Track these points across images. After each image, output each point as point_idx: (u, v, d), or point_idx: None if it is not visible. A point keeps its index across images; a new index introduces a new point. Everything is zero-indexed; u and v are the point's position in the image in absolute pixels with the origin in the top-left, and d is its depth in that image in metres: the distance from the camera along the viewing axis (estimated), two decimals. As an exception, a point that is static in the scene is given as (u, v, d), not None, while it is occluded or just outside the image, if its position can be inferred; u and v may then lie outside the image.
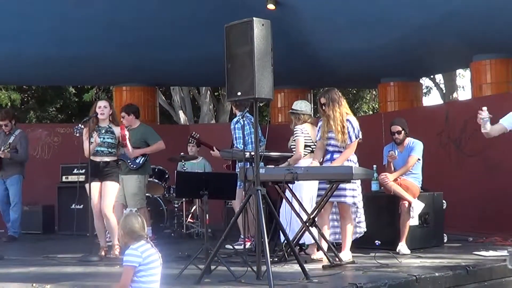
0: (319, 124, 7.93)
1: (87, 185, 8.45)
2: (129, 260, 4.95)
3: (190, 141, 11.08)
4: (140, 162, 9.51)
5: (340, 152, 7.68)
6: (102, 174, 8.43)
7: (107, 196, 8.39)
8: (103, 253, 8.34)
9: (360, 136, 7.72)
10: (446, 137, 11.20)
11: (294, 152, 8.41)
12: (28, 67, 13.57)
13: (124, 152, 9.29)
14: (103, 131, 8.46)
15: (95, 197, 8.40)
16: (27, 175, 12.41)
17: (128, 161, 9.43)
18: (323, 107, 7.78)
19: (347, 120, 7.68)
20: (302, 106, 8.48)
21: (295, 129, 8.38)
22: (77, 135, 9.40)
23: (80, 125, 9.53)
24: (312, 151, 8.29)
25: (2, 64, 13.21)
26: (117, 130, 8.52)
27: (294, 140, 8.40)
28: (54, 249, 9.17)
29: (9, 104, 22.83)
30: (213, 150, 9.94)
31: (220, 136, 11.93)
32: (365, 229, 7.98)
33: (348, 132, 7.63)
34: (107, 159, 8.47)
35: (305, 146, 8.32)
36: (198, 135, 10.93)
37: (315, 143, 8.21)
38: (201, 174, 8.74)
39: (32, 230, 11.74)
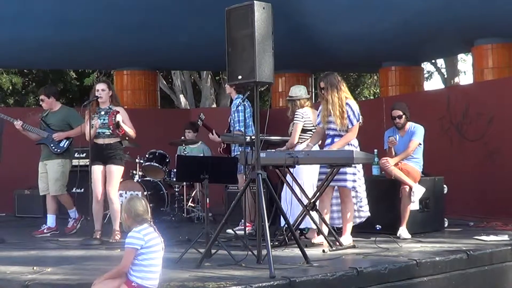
0: (320, 109, 7.91)
1: (92, 167, 8.41)
2: (131, 242, 4.96)
3: (198, 122, 11.03)
4: (64, 146, 9.21)
5: (340, 136, 7.67)
6: (106, 157, 8.41)
7: (112, 180, 8.38)
8: (98, 236, 8.35)
9: (361, 120, 7.70)
10: (447, 122, 11.19)
11: None
12: (28, 50, 13.55)
13: (46, 136, 9.22)
14: (103, 112, 8.43)
15: (97, 180, 8.39)
16: (28, 158, 12.40)
17: (51, 145, 9.23)
18: (322, 92, 7.77)
19: (347, 104, 7.65)
20: (297, 91, 8.47)
21: (296, 113, 8.36)
22: None
23: None
24: None
25: (2, 47, 13.19)
26: (118, 109, 8.47)
27: (294, 124, 8.39)
28: (54, 233, 9.19)
29: (10, 88, 22.82)
30: (212, 134, 9.94)
31: (221, 120, 11.89)
32: (369, 214, 7.98)
33: (348, 116, 7.61)
34: (109, 140, 8.45)
35: (306, 130, 8.30)
36: (204, 117, 10.90)
37: (315, 127, 8.23)
38: (201, 158, 8.74)
39: (32, 214, 11.73)
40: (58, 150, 9.23)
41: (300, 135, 8.29)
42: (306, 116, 8.29)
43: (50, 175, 9.27)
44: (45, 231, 9.25)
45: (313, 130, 8.27)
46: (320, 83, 7.81)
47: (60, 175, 9.23)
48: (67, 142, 9.26)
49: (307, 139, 8.25)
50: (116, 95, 8.73)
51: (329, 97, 7.67)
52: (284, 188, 8.21)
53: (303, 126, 8.29)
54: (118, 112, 8.36)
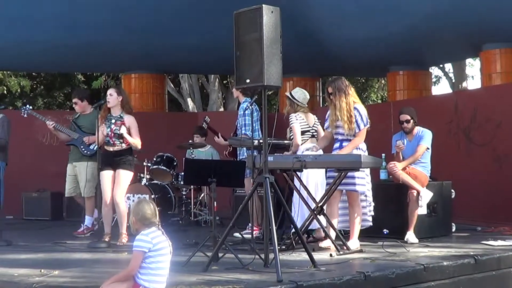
0: (328, 113, 7.92)
1: (101, 173, 8.44)
2: (139, 245, 4.96)
3: (203, 125, 11.04)
4: (94, 148, 9.18)
5: (349, 140, 7.67)
6: (115, 162, 8.43)
7: (120, 184, 8.40)
8: (107, 239, 8.37)
9: (369, 124, 7.69)
10: (455, 127, 11.16)
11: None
12: (37, 53, 13.59)
13: (77, 137, 9.26)
14: (113, 120, 8.45)
15: (106, 185, 8.40)
16: (36, 161, 12.49)
17: (82, 147, 9.30)
18: (330, 97, 7.77)
19: (355, 108, 7.65)
20: (301, 97, 8.52)
21: (290, 118, 8.41)
22: (25, 116, 9.42)
23: (27, 105, 9.47)
24: (312, 136, 8.37)
25: (11, 50, 13.23)
26: (127, 119, 8.47)
27: (291, 128, 8.44)
28: (62, 236, 9.21)
29: (18, 90, 22.87)
30: (218, 137, 9.95)
31: (228, 123, 11.92)
32: (371, 223, 7.96)
33: (356, 121, 7.60)
34: (119, 148, 8.47)
35: (303, 132, 8.36)
36: (209, 120, 10.93)
37: (313, 127, 8.42)
38: (209, 162, 8.75)
39: (40, 217, 11.79)
40: (88, 152, 9.29)
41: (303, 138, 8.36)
42: (299, 117, 8.36)
43: (80, 177, 9.36)
44: (85, 231, 9.40)
45: (310, 131, 8.39)
46: (327, 88, 7.82)
47: (91, 177, 9.28)
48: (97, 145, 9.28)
49: (306, 139, 8.32)
50: (128, 101, 8.69)
51: (336, 102, 7.67)
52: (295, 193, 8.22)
53: (301, 128, 8.34)
54: (123, 123, 8.37)
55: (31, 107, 9.65)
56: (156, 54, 13.95)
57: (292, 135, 8.48)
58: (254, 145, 7.85)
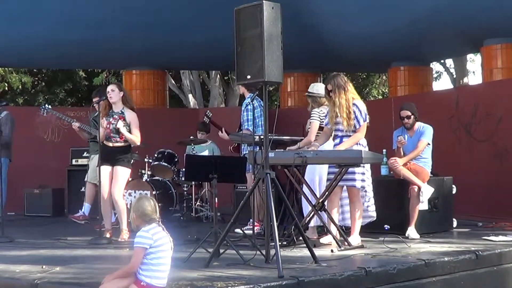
0: (327, 110, 7.92)
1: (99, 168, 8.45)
2: (140, 242, 4.98)
3: (204, 121, 11.05)
4: None
5: (348, 136, 7.65)
6: (113, 158, 8.44)
7: (118, 181, 8.41)
8: (108, 235, 8.40)
9: (368, 120, 7.69)
10: (456, 122, 11.16)
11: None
12: (38, 50, 13.59)
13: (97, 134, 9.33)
14: (116, 116, 8.46)
15: (104, 180, 8.41)
16: (37, 158, 12.52)
17: None
18: (330, 94, 7.76)
19: (354, 104, 7.64)
20: (319, 89, 8.49)
21: (312, 112, 8.40)
22: (44, 114, 9.45)
23: (46, 104, 9.52)
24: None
25: (12, 47, 13.23)
26: (129, 114, 8.48)
27: (310, 123, 8.43)
28: (63, 232, 9.21)
29: (20, 87, 22.87)
30: (221, 132, 9.96)
31: (230, 119, 11.94)
32: (375, 217, 7.97)
33: (356, 117, 7.60)
34: (119, 144, 8.47)
35: (323, 128, 8.35)
36: (211, 115, 10.94)
37: None
38: (210, 158, 8.75)
39: (42, 213, 11.80)
40: None
41: (318, 132, 8.33)
42: (322, 114, 8.33)
43: (92, 164, 9.48)
44: (81, 218, 9.63)
45: None
46: (327, 85, 7.80)
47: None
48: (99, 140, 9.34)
49: None
50: (129, 96, 8.71)
51: (336, 99, 7.66)
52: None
53: (320, 124, 8.32)
54: (122, 118, 8.38)
55: (50, 106, 9.65)
56: (157, 51, 13.95)
57: (309, 128, 8.48)
58: (255, 141, 7.85)
